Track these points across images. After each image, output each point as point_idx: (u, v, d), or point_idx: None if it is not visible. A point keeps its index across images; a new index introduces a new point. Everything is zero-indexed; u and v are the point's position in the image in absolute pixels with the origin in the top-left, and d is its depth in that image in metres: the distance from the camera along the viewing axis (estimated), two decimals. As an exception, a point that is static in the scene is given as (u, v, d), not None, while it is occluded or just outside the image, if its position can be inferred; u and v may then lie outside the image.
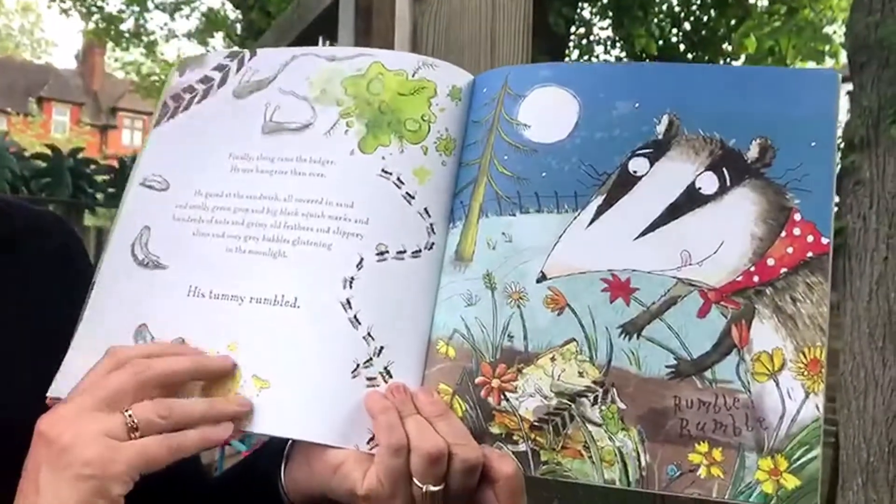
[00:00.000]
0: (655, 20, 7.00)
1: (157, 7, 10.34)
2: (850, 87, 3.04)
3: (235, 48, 0.70)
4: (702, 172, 0.55)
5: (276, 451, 0.58)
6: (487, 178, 0.59)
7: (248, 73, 0.65)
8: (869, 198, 2.86)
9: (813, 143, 0.54)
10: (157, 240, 0.61)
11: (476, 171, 0.60)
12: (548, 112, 0.59)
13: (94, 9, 10.02)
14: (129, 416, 0.47)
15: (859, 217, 2.88)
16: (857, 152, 2.94)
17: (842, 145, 3.04)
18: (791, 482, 0.50)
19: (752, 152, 0.55)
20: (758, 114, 0.55)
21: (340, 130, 0.62)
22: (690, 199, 0.54)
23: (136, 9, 10.00)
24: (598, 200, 0.56)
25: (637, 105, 0.57)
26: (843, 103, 3.27)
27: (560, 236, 0.55)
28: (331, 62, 0.64)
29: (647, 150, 0.56)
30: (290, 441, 0.56)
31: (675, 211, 0.54)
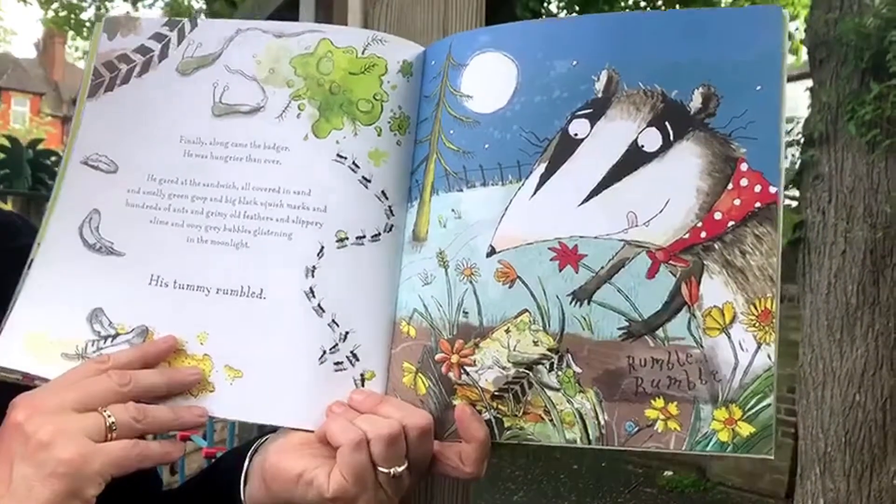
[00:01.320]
0: (621, 13, 6.83)
1: None
2: (809, 83, 2.98)
3: (174, 18, 0.66)
4: (643, 129, 0.53)
5: (232, 467, 0.59)
6: (437, 154, 0.59)
7: (192, 47, 0.63)
8: (828, 192, 2.87)
9: (758, 87, 0.52)
10: (109, 225, 0.60)
11: (428, 148, 0.60)
12: (488, 80, 0.58)
13: None
14: (108, 416, 0.48)
15: (818, 211, 2.90)
16: (816, 147, 2.93)
17: (801, 141, 3.04)
18: (746, 430, 0.51)
19: (696, 102, 0.53)
20: (700, 60, 0.53)
21: (293, 114, 0.62)
22: (633, 159, 0.53)
23: None
24: (541, 168, 0.55)
25: (575, 63, 0.55)
26: (803, 99, 3.16)
27: (506, 208, 0.56)
28: (278, 38, 0.63)
29: (588, 111, 0.55)
30: (248, 460, 0.59)
31: (618, 172, 0.54)
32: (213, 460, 0.77)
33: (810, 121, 3.05)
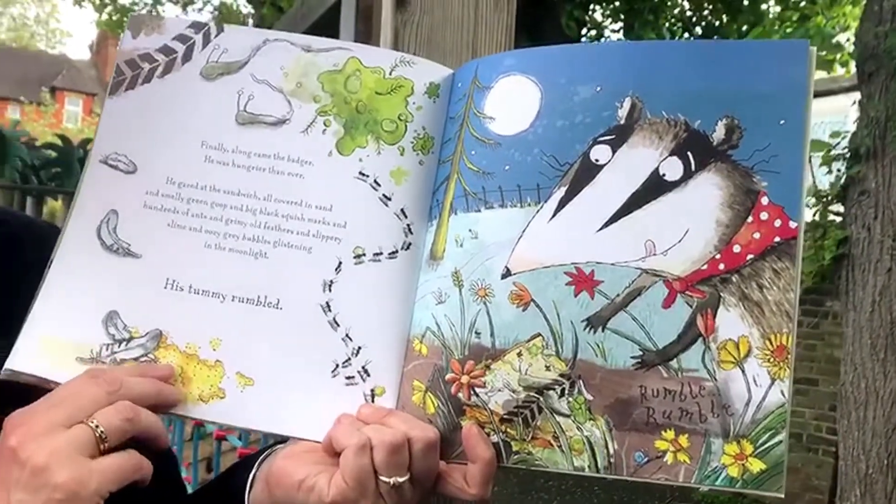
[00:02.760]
0: (667, 24, 6.96)
1: (169, 0, 10.19)
2: (857, 96, 2.94)
3: (188, 13, 0.64)
4: (665, 158, 0.53)
5: (243, 472, 0.60)
6: (457, 174, 0.59)
7: (216, 52, 0.63)
8: (874, 208, 2.82)
9: (782, 122, 0.51)
10: (126, 226, 0.60)
11: (450, 168, 0.60)
12: (511, 102, 0.58)
13: (107, 0, 9.92)
14: (97, 426, 0.47)
15: (864, 227, 2.84)
16: (863, 162, 2.89)
17: (848, 155, 2.97)
18: (756, 466, 0.50)
19: (718, 133, 0.53)
20: (724, 91, 0.53)
21: (318, 129, 0.62)
22: (654, 187, 0.53)
23: (149, 0, 9.78)
24: (561, 192, 0.55)
25: (599, 88, 0.55)
26: (851, 113, 3.12)
27: (523, 231, 0.55)
28: (306, 53, 0.63)
29: (609, 137, 0.55)
30: (257, 465, 0.59)
31: (638, 200, 0.53)
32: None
33: (857, 135, 2.95)
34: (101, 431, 0.47)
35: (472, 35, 0.75)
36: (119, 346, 0.57)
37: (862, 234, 2.87)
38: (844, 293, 2.95)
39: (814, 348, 4.51)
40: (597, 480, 5.04)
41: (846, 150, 3.05)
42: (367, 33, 0.90)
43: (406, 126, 0.61)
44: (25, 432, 0.46)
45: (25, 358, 0.56)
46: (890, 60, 2.82)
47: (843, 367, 2.94)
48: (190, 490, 0.71)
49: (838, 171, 3.15)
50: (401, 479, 0.52)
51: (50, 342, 0.56)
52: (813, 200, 3.17)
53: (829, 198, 3.19)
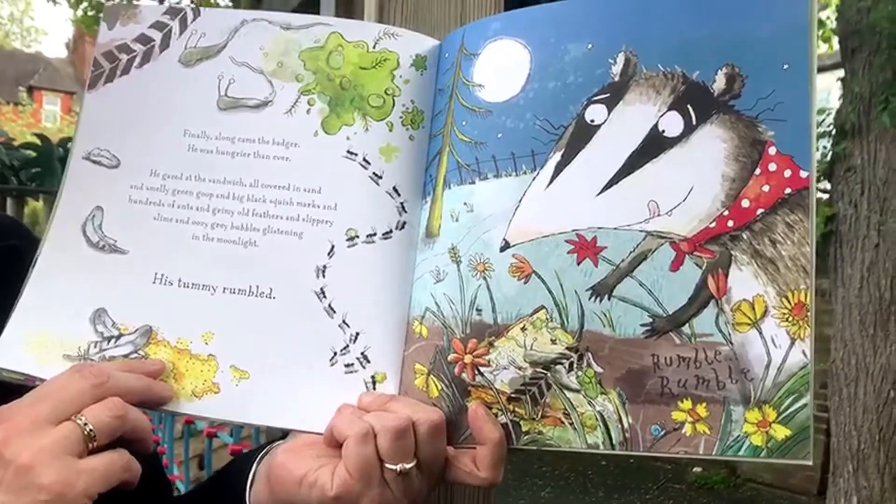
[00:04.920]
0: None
1: None
2: (841, 73, 2.90)
3: (171, 4, 0.63)
4: (664, 113, 0.50)
5: (243, 470, 0.58)
6: (449, 147, 0.57)
7: (194, 37, 0.61)
8: (860, 185, 2.81)
9: (785, 66, 0.48)
10: (112, 222, 0.58)
11: (441, 141, 0.58)
12: (500, 68, 0.56)
13: None
14: (85, 424, 0.45)
15: (850, 204, 2.83)
16: (849, 139, 2.87)
17: (833, 132, 2.99)
18: (781, 432, 0.48)
19: (719, 83, 0.50)
20: (722, 38, 0.50)
21: (302, 109, 0.60)
22: (654, 145, 0.50)
23: None
24: (557, 157, 0.52)
25: (590, 46, 0.53)
26: (835, 89, 3.09)
27: (520, 200, 0.53)
28: (286, 31, 0.61)
29: (604, 96, 0.52)
30: (257, 462, 0.57)
31: (638, 159, 0.51)
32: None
33: (842, 111, 2.98)
34: (90, 429, 0.45)
35: (461, 7, 0.72)
36: (108, 344, 0.56)
37: (849, 210, 2.86)
38: (833, 270, 2.94)
39: (803, 327, 4.43)
40: (591, 465, 5.04)
41: (831, 127, 3.03)
42: (348, 16, 0.88)
43: (394, 100, 0.59)
44: (9, 429, 0.44)
45: (11, 355, 0.54)
46: (873, 36, 2.80)
47: (833, 344, 2.93)
48: (182, 487, 0.69)
49: (824, 148, 3.13)
50: (407, 466, 0.49)
51: (36, 340, 0.55)
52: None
53: (816, 175, 3.17)
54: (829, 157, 3.05)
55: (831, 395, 2.96)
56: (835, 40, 3.95)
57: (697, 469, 5.02)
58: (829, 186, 3.09)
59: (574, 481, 4.95)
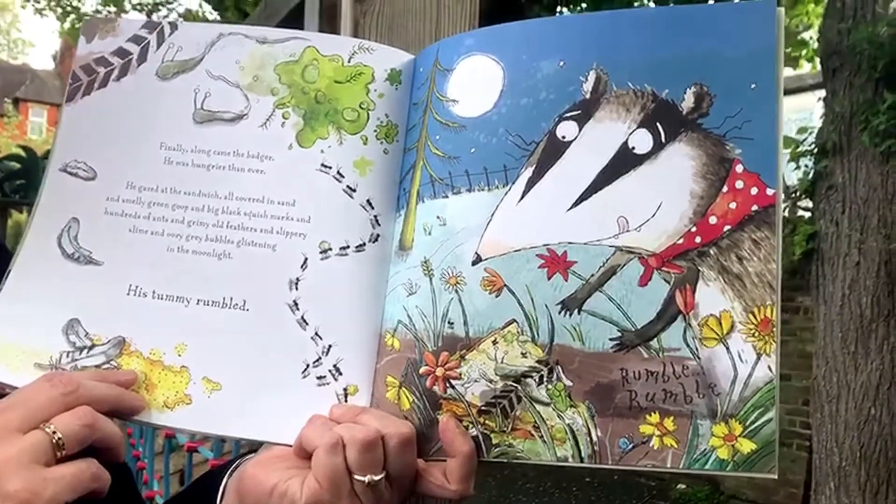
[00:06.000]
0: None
1: (133, 7, 9.89)
2: (822, 93, 2.97)
3: (153, 18, 0.63)
4: (634, 130, 0.51)
5: (212, 483, 0.57)
6: (423, 161, 0.58)
7: (171, 51, 0.62)
8: (841, 203, 2.86)
9: (753, 85, 0.49)
10: (87, 234, 0.59)
11: (415, 155, 0.58)
12: (474, 83, 0.56)
13: (69, 9, 9.72)
14: (53, 432, 0.45)
15: (832, 222, 2.89)
16: (830, 158, 2.93)
17: (815, 151, 3.02)
18: (747, 446, 0.48)
19: (688, 102, 0.51)
20: (691, 58, 0.51)
21: (277, 123, 0.60)
22: (624, 161, 0.51)
23: (113, 9, 9.52)
24: (528, 172, 0.53)
25: (562, 63, 0.53)
26: (817, 109, 3.15)
27: (492, 214, 0.53)
28: (262, 45, 0.62)
29: (575, 112, 0.53)
30: (228, 474, 0.57)
31: (608, 175, 0.51)
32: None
33: (823, 131, 3.03)
34: (59, 438, 0.45)
35: (435, 25, 0.73)
36: (80, 354, 0.55)
37: (830, 228, 2.91)
38: (815, 288, 2.98)
39: (786, 344, 4.48)
40: (574, 481, 5.04)
41: (813, 146, 3.08)
42: (332, 31, 0.89)
43: (368, 114, 0.60)
44: None
45: None
46: (853, 56, 2.86)
47: (815, 362, 2.96)
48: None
49: (806, 166, 3.18)
50: (376, 478, 0.49)
51: (8, 348, 0.55)
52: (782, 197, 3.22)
53: (798, 193, 3.22)
54: (810, 176, 3.10)
55: (813, 412, 2.98)
56: (817, 60, 4.03)
57: (681, 485, 5.02)
58: (811, 205, 3.13)
59: (558, 498, 4.93)
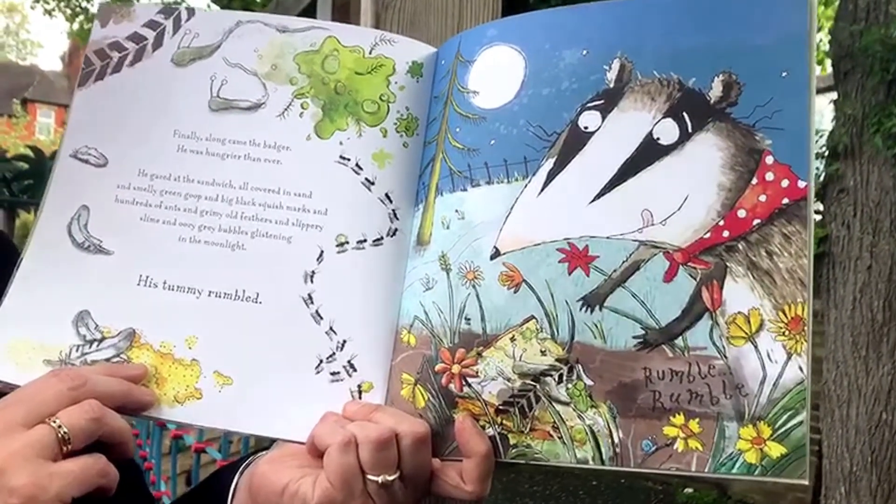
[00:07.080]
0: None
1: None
2: (834, 95, 2.95)
3: (168, 4, 0.62)
4: (659, 120, 0.50)
5: (227, 481, 0.56)
6: (443, 154, 0.56)
7: (188, 37, 0.60)
8: (853, 206, 2.84)
9: (784, 74, 0.48)
10: (98, 222, 0.57)
11: (435, 148, 0.57)
12: (495, 74, 0.55)
13: (78, 10, 9.74)
14: (59, 426, 0.44)
15: (843, 225, 2.86)
16: (841, 160, 2.90)
17: (826, 153, 3.02)
18: (776, 450, 0.46)
19: (715, 91, 0.49)
20: (719, 45, 0.49)
21: (295, 113, 0.59)
22: (648, 152, 0.49)
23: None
24: (549, 164, 0.51)
25: (585, 52, 0.52)
26: (828, 112, 3.13)
27: (511, 207, 0.52)
28: (281, 34, 0.61)
29: (599, 102, 0.51)
30: (239, 473, 0.55)
31: (632, 167, 0.50)
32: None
33: (835, 133, 3.01)
34: (65, 432, 0.44)
35: (457, 20, 0.72)
36: (90, 347, 0.54)
37: (842, 231, 2.89)
38: (826, 291, 2.96)
39: (796, 348, 4.43)
40: (581, 485, 5.00)
41: (824, 149, 3.06)
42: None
43: (388, 107, 0.58)
44: None
45: None
46: (865, 59, 2.84)
47: (825, 366, 2.93)
48: (169, 504, 0.67)
49: (817, 169, 3.15)
50: (390, 478, 0.48)
51: (17, 345, 0.54)
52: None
53: None
54: (821, 179, 3.08)
55: (823, 417, 2.96)
56: (828, 63, 4.00)
57: (688, 489, 4.98)
58: (821, 208, 3.11)
59: (564, 501, 4.90)
